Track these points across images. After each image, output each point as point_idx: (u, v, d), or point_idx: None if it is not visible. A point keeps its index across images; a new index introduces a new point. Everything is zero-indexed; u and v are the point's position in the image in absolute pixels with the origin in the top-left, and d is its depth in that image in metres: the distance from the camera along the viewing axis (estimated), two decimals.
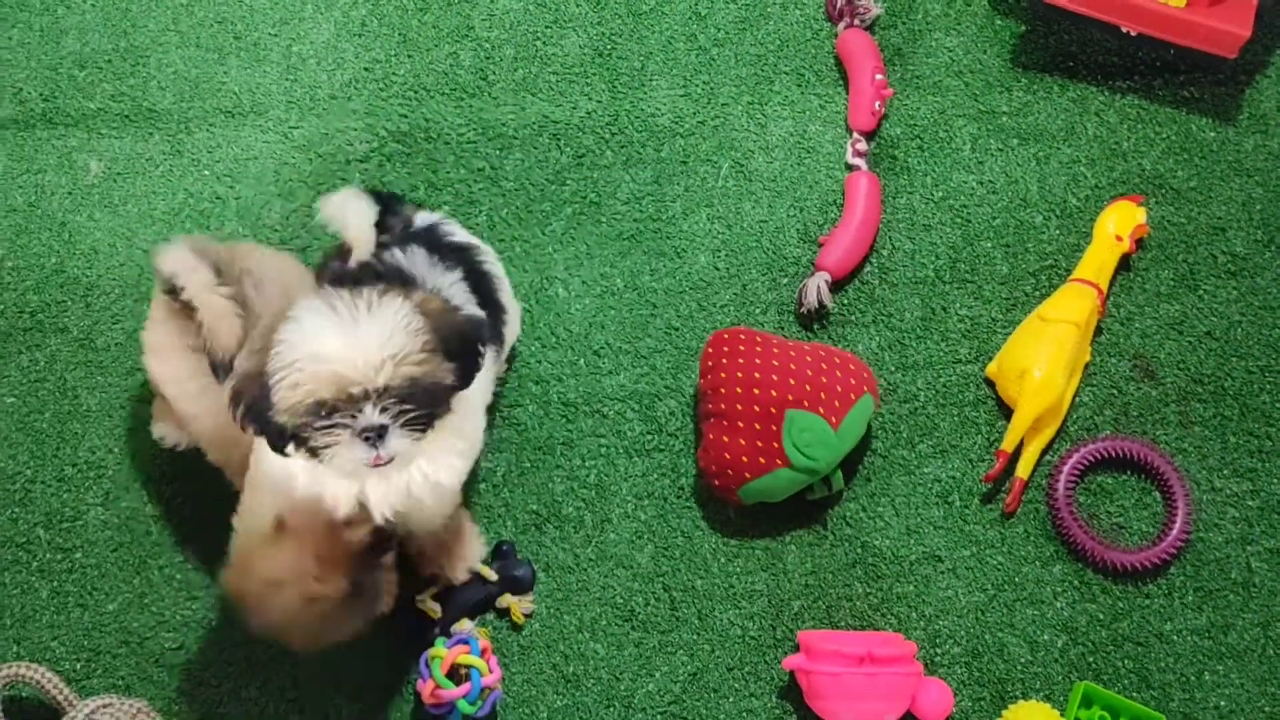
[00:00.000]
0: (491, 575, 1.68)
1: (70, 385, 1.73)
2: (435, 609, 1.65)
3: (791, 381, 1.64)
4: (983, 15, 2.00)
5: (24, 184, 1.83)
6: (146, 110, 1.88)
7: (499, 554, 1.71)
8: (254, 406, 1.30)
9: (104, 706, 1.52)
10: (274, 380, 1.27)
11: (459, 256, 1.55)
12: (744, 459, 1.63)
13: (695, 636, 1.69)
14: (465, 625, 1.66)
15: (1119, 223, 1.82)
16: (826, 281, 1.81)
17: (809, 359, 1.68)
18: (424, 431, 1.32)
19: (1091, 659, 1.68)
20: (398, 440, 1.29)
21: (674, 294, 1.85)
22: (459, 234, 1.62)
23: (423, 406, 1.30)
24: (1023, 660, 1.69)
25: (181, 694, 1.64)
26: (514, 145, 1.91)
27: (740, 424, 1.63)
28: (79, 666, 1.64)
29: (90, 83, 1.89)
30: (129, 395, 1.74)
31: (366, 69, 1.94)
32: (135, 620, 1.66)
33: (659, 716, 1.66)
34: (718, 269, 1.86)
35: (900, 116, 1.94)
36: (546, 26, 1.98)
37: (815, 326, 1.83)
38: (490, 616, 1.69)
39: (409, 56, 1.95)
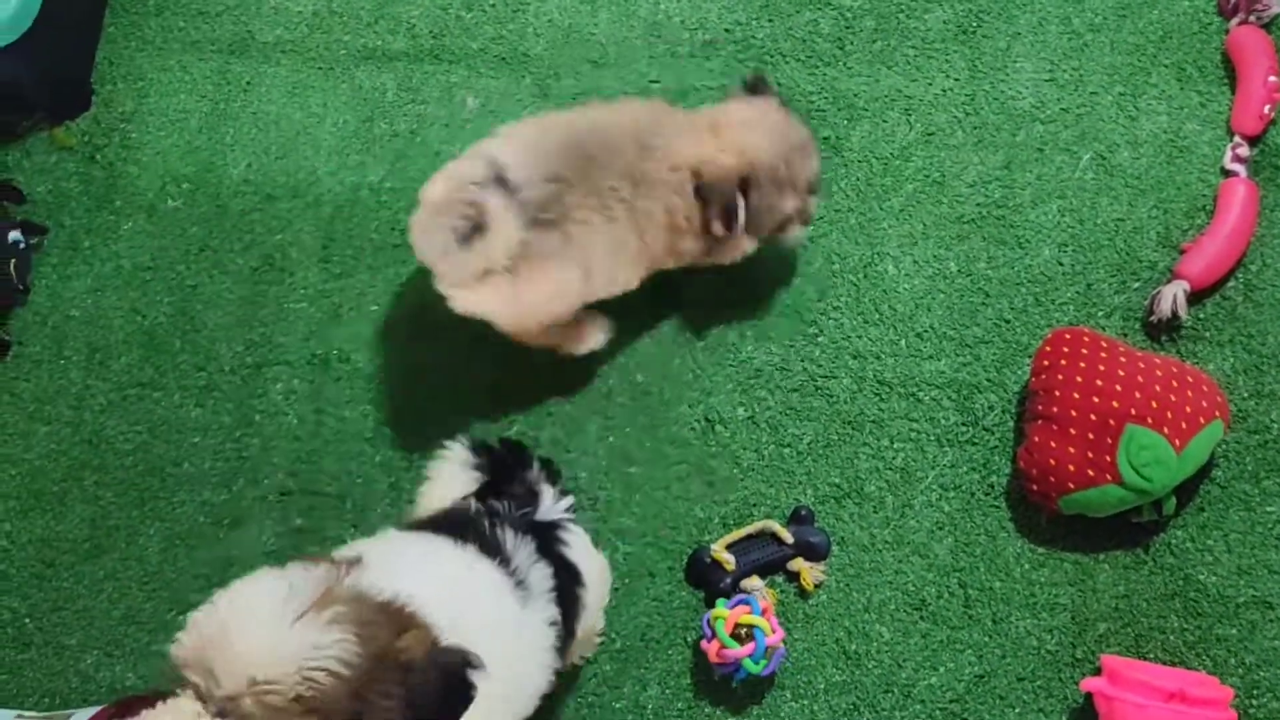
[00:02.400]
0: (788, 537, 1.70)
1: (427, 302, 1.88)
2: (729, 560, 1.69)
3: (1137, 395, 1.54)
4: None
5: (408, 113, 1.99)
6: (521, 54, 2.00)
7: (796, 517, 1.72)
8: None
9: None
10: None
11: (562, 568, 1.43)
12: (1071, 467, 1.55)
13: (987, 639, 1.64)
14: (755, 582, 1.69)
15: None
16: (1185, 291, 1.68)
17: (1158, 373, 1.57)
18: None
19: None
20: None
21: (1010, 285, 1.78)
22: (576, 546, 1.48)
23: None
24: None
25: None
26: (863, 116, 1.89)
27: (1073, 430, 1.55)
28: None
29: (475, 24, 2.03)
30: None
31: (727, 30, 1.98)
32: None
33: (939, 712, 1.63)
34: (1061, 264, 1.77)
35: None
36: (912, 0, 1.94)
37: (1163, 338, 1.71)
38: (780, 579, 1.71)
39: (770, 21, 1.97)
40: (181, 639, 1.10)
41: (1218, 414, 1.56)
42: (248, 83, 2.04)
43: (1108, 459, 1.53)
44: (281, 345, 1.89)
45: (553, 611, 1.38)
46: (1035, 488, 1.61)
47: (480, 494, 1.49)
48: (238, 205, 1.97)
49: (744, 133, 1.64)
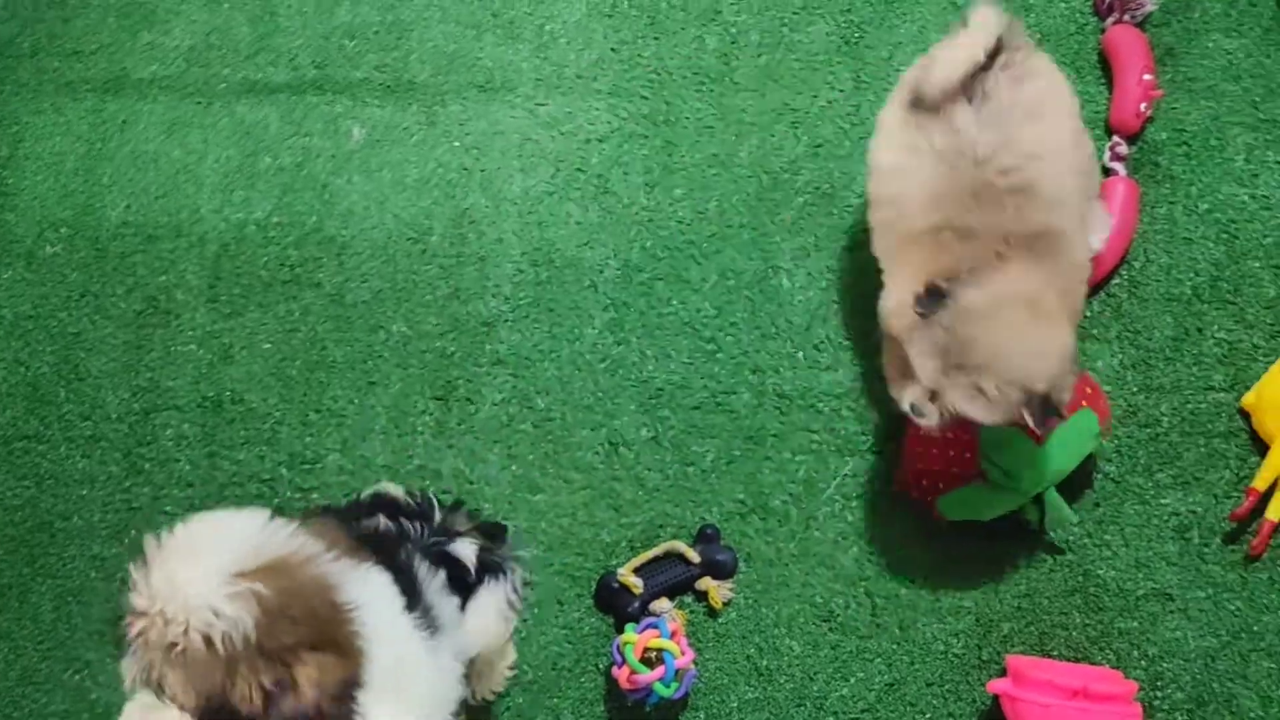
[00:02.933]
0: (694, 557, 1.69)
1: (320, 337, 1.85)
2: (637, 584, 1.68)
3: None
4: (1269, 17, 1.84)
5: (292, 146, 1.96)
6: (406, 82, 1.98)
7: (702, 536, 1.72)
8: None
9: None
10: None
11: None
12: (936, 468, 1.57)
13: (895, 646, 1.65)
14: (664, 604, 1.68)
15: None
16: None
17: None
18: None
19: None
20: None
21: None
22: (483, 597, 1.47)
23: None
24: (1253, 715, 1.56)
25: None
26: (751, 131, 1.90)
27: (935, 432, 1.56)
28: None
29: (358, 53, 2.01)
30: (372, 351, 1.84)
31: (613, 49, 1.97)
32: None
33: None
34: None
35: (1168, 120, 1.81)
36: (795, 13, 1.96)
37: None
38: (689, 599, 1.70)
39: (656, 39, 1.97)
40: (149, 540, 1.14)
41: (1084, 403, 1.58)
42: (124, 122, 1.99)
43: (968, 455, 1.54)
44: (170, 390, 1.84)
45: (460, 641, 1.37)
46: (914, 495, 1.62)
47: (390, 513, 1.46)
48: (118, 248, 1.92)
49: None
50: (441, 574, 1.40)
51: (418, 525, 1.43)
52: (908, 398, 1.45)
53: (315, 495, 1.78)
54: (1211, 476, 1.65)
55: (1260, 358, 1.69)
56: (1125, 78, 1.81)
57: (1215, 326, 1.71)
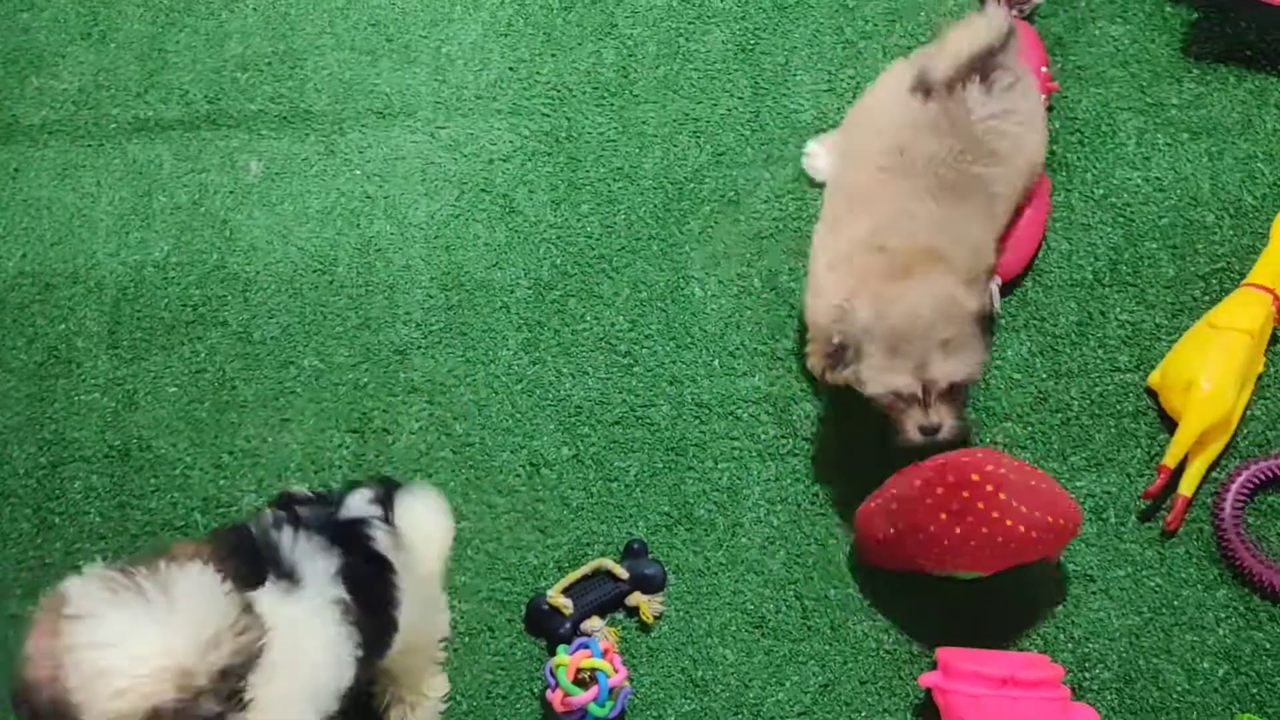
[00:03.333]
0: (623, 573, 1.68)
1: (228, 377, 1.81)
2: (567, 604, 1.66)
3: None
4: (1151, 2, 1.89)
5: (189, 183, 1.92)
6: (303, 111, 1.95)
7: (630, 552, 1.71)
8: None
9: None
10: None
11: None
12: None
13: (828, 647, 1.65)
14: (595, 623, 1.66)
15: None
16: (998, 285, 1.71)
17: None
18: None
19: (1255, 690, 1.56)
20: None
21: None
22: (381, 540, 1.45)
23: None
24: (1179, 689, 1.59)
25: None
26: (654, 143, 1.90)
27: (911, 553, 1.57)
28: None
29: (251, 85, 1.97)
30: (283, 387, 1.80)
31: (511, 69, 1.96)
32: None
33: None
34: None
35: (1060, 109, 1.84)
36: (690, 22, 1.97)
37: None
38: (620, 615, 1.69)
39: (553, 55, 1.97)
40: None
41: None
42: (15, 169, 1.93)
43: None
44: (76, 441, 1.78)
45: (333, 593, 1.32)
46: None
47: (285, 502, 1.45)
48: (15, 299, 1.86)
49: None
50: (314, 537, 1.36)
51: (312, 509, 1.42)
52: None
53: None
54: (1123, 456, 1.68)
55: (1163, 336, 1.73)
56: None
57: (1118, 309, 1.74)
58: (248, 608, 1.16)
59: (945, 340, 1.46)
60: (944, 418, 1.49)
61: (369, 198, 1.90)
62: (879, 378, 1.49)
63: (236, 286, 1.86)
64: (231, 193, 1.91)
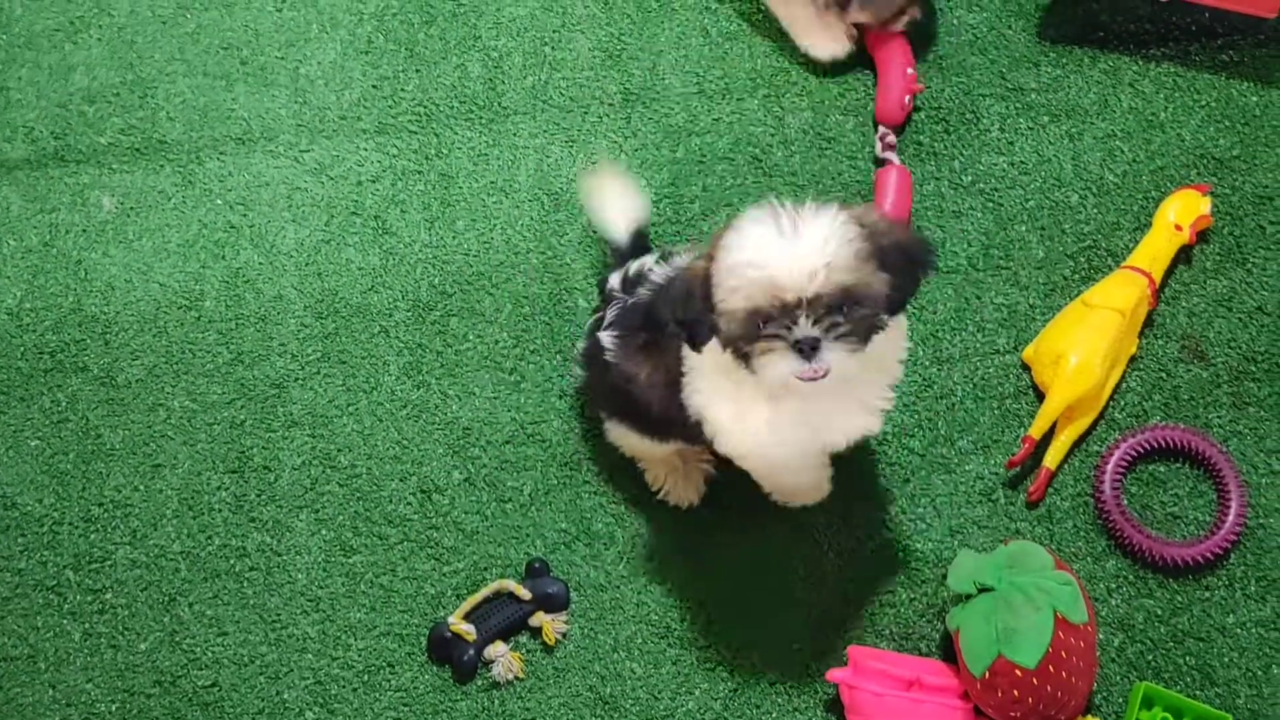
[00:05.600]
0: (525, 593, 1.65)
1: (93, 424, 1.73)
2: (469, 631, 1.62)
3: None
4: None
5: (38, 224, 1.82)
6: (157, 142, 1.87)
7: (531, 572, 1.68)
8: (690, 299, 1.28)
9: None
10: (715, 283, 1.26)
11: None
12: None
13: (735, 651, 1.64)
14: (499, 648, 1.63)
15: (1180, 211, 1.73)
16: None
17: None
18: (859, 345, 1.26)
19: (1151, 657, 1.60)
20: (832, 353, 1.24)
21: None
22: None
23: (855, 320, 1.25)
24: None
25: None
26: (526, 154, 1.87)
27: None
28: (114, 708, 1.63)
29: (100, 117, 1.89)
30: (153, 431, 1.72)
31: (375, 86, 1.91)
32: (167, 659, 1.65)
33: None
34: None
35: (925, 99, 1.87)
36: (554, 31, 1.94)
37: None
38: (524, 638, 1.66)
39: (417, 71, 1.92)
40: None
41: None
42: None
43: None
44: None
45: None
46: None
47: None
48: None
49: None
50: None
51: None
52: None
53: (108, 595, 1.66)
54: (1008, 437, 1.71)
55: (1038, 316, 1.76)
56: (889, 73, 1.85)
57: (993, 292, 1.77)
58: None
59: None
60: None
61: (233, 228, 1.83)
62: None
63: (96, 329, 1.77)
64: (84, 231, 1.82)
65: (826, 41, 1.88)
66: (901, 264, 1.27)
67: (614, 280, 1.54)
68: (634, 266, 1.53)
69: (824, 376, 1.26)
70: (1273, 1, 1.75)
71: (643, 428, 1.54)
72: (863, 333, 1.26)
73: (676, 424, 1.44)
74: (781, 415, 1.34)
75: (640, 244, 1.61)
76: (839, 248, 1.22)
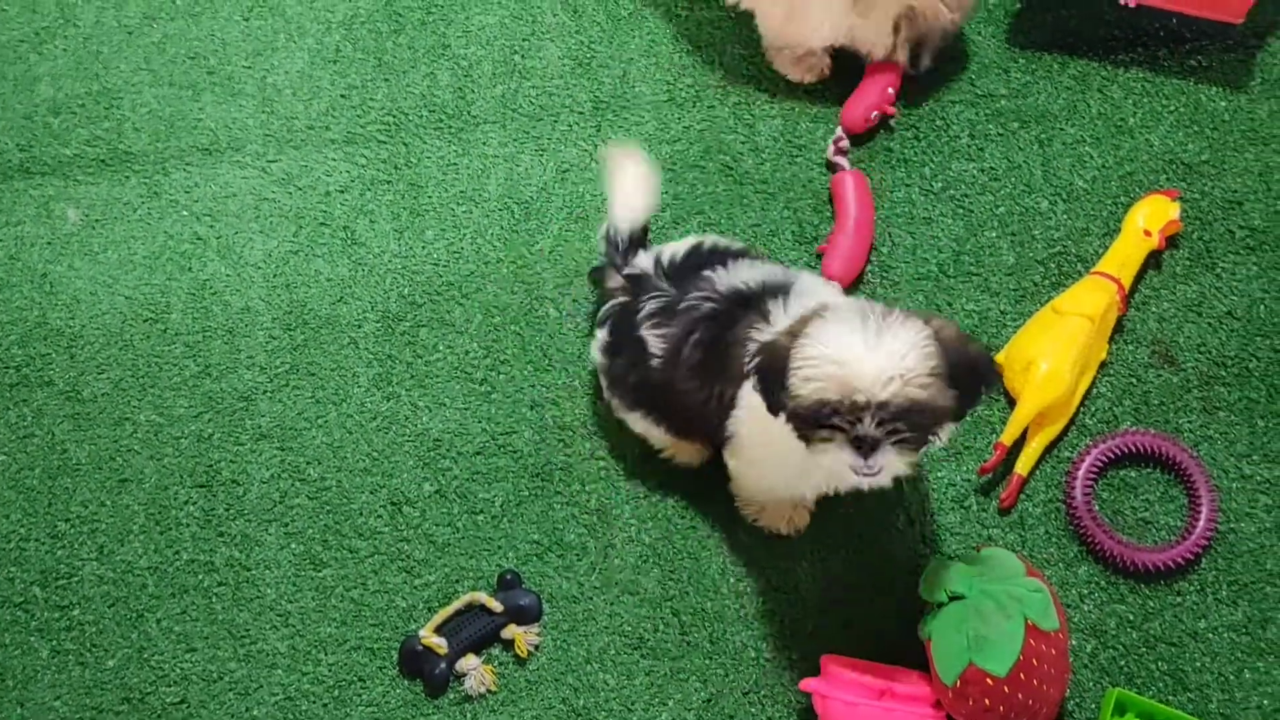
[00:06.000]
0: (497, 605, 1.64)
1: (59, 439, 1.71)
2: (440, 644, 1.61)
3: None
4: None
5: (3, 237, 1.80)
6: (122, 153, 1.85)
7: (503, 584, 1.67)
8: (770, 375, 1.33)
9: None
10: (793, 365, 1.31)
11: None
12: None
13: (708, 661, 1.63)
14: (471, 661, 1.62)
15: (1150, 217, 1.74)
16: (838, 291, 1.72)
17: None
18: (914, 452, 1.32)
19: (1123, 663, 1.60)
20: (887, 456, 1.31)
21: None
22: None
23: (916, 429, 1.30)
24: None
25: None
26: (496, 164, 1.86)
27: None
28: None
29: (65, 129, 1.87)
30: (119, 445, 1.71)
31: (343, 96, 1.90)
32: (135, 676, 1.63)
33: None
34: None
35: (896, 105, 1.87)
36: (524, 40, 1.93)
37: None
38: (496, 650, 1.65)
39: (385, 80, 1.91)
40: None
41: None
42: None
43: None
44: None
45: None
46: None
47: None
48: None
49: None
50: None
51: None
52: None
53: (75, 612, 1.64)
54: (979, 444, 1.71)
55: (1009, 322, 1.76)
56: (873, 83, 1.84)
57: (964, 299, 1.77)
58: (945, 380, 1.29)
59: None
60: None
61: (200, 239, 1.82)
62: None
63: (61, 343, 1.76)
64: (49, 244, 1.80)
65: (802, 72, 1.87)
66: (968, 381, 1.33)
67: (644, 262, 1.56)
68: (665, 255, 1.56)
69: (877, 474, 1.33)
70: (1240, 7, 1.75)
71: (670, 426, 1.59)
72: (920, 441, 1.32)
73: (707, 432, 1.52)
74: (806, 460, 1.37)
75: (641, 238, 1.61)
76: (916, 363, 1.27)
